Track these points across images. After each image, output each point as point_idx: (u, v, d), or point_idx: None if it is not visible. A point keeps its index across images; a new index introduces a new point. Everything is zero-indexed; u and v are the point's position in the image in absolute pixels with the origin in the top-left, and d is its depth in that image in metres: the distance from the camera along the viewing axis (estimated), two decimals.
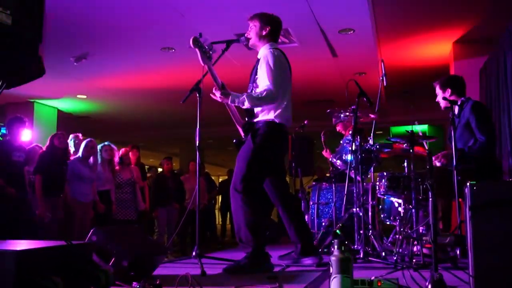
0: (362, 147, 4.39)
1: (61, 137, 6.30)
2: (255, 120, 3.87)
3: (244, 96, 3.67)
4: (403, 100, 10.06)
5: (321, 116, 5.88)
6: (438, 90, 4.55)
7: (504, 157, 5.56)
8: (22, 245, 1.97)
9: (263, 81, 3.73)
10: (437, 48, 7.83)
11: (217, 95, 3.77)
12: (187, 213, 4.88)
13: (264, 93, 3.67)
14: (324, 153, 5.71)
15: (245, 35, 3.98)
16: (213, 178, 12.05)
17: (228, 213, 12.48)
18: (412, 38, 7.42)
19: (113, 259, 3.03)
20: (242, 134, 3.96)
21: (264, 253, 3.68)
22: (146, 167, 10.30)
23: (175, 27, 6.52)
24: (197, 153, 4.04)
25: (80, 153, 6.52)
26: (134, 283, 2.68)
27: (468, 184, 2.36)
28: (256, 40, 3.92)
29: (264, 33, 3.89)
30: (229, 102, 3.72)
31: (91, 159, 6.63)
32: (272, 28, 3.92)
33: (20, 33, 2.07)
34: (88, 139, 6.68)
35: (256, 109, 3.86)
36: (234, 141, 4.03)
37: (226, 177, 12.91)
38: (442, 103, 4.51)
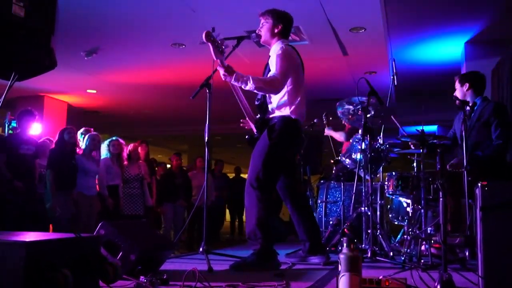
0: (372, 146, 4.36)
1: (70, 132, 6.31)
2: (270, 116, 3.85)
3: (249, 76, 3.59)
4: (412, 100, 10.01)
5: (331, 113, 5.86)
6: (457, 84, 4.50)
7: None
8: (31, 236, 1.97)
9: (272, 71, 3.72)
10: (448, 48, 7.77)
11: (221, 72, 3.66)
12: (194, 209, 4.86)
13: (269, 79, 3.65)
14: (326, 130, 5.78)
15: (256, 31, 3.94)
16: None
17: (237, 212, 12.49)
18: (423, 38, 7.36)
19: (120, 253, 3.04)
20: (255, 130, 3.95)
21: (271, 250, 3.66)
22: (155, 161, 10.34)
23: (186, 23, 6.51)
24: (206, 148, 4.03)
25: (83, 147, 6.53)
26: (141, 277, 2.69)
27: (479, 184, 2.33)
28: (268, 37, 3.89)
29: (276, 30, 3.85)
30: (232, 81, 3.62)
31: (95, 152, 6.65)
32: (284, 25, 3.88)
33: (33, 25, 2.07)
34: (91, 133, 6.69)
35: (271, 105, 3.83)
36: (247, 137, 4.01)
37: (234, 175, 12.90)
38: (457, 101, 4.46)
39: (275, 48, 3.82)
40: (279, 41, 3.85)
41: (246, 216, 3.72)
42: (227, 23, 6.34)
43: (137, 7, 6.09)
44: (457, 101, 4.34)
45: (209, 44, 3.59)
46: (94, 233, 3.12)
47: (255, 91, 3.68)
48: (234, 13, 6.16)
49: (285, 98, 3.76)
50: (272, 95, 3.83)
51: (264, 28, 3.91)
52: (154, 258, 3.36)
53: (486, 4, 6.13)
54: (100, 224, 3.09)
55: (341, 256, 2.13)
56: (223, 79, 3.67)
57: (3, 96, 2.29)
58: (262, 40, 3.93)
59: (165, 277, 2.81)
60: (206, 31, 3.57)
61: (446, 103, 10.59)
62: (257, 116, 3.97)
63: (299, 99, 3.77)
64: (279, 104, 3.77)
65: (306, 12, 5.99)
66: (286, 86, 3.73)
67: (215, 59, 3.64)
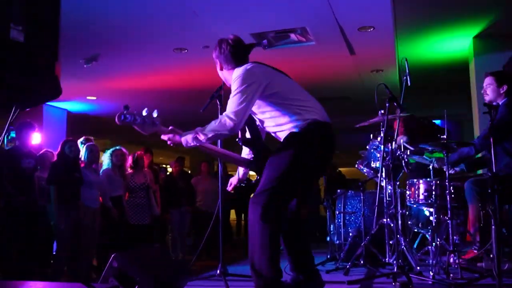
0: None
1: (72, 145, 6.10)
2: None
3: (197, 129, 3.06)
4: (419, 95, 9.83)
5: (337, 112, 5.64)
6: (492, 83, 4.28)
7: None
8: None
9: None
10: (456, 43, 7.59)
11: (168, 142, 3.19)
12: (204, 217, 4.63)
13: (218, 119, 3.04)
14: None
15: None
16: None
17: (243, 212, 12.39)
18: (430, 33, 7.19)
19: (136, 286, 2.85)
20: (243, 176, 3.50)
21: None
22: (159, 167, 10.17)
23: (188, 27, 6.30)
24: (220, 166, 3.85)
25: (83, 158, 6.33)
26: None
27: None
28: (221, 74, 3.37)
29: (225, 59, 3.30)
30: (184, 144, 3.10)
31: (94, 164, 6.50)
32: (234, 51, 3.29)
33: (34, 51, 1.85)
34: (88, 144, 6.50)
35: (273, 129, 3.21)
36: (237, 139, 3.34)
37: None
38: (489, 97, 4.27)
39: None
40: (237, 69, 3.20)
41: (249, 237, 3.02)
42: (230, 26, 6.12)
43: (138, 13, 5.88)
44: (490, 96, 4.19)
45: (133, 126, 3.10)
46: (107, 266, 2.94)
47: (207, 143, 3.13)
48: (238, 16, 5.94)
49: (283, 112, 3.13)
50: (265, 122, 3.23)
51: (217, 67, 3.39)
52: (172, 286, 3.17)
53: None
54: (112, 256, 2.90)
55: None
56: (172, 145, 3.21)
57: (5, 129, 2.07)
58: (223, 78, 3.40)
59: None
60: (117, 115, 3.06)
61: (453, 98, 10.51)
62: (249, 156, 3.38)
63: (301, 102, 3.15)
64: (282, 123, 3.14)
65: (313, 13, 5.79)
66: (269, 105, 3.14)
67: (147, 134, 3.15)
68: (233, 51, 3.27)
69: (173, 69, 8.24)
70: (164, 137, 3.19)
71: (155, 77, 8.79)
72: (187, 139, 3.08)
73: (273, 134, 3.27)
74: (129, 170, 7.25)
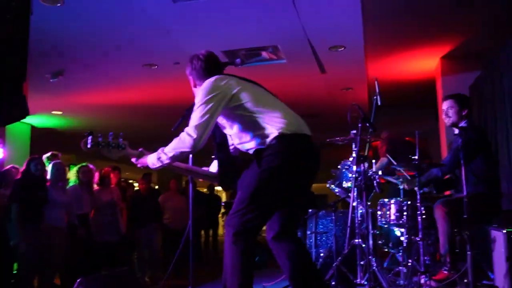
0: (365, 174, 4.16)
1: (38, 164, 5.91)
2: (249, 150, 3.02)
3: (160, 149, 2.99)
4: (388, 113, 9.94)
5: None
6: (453, 105, 4.32)
7: (503, 181, 5.40)
8: None
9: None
10: (423, 63, 7.72)
11: (138, 164, 3.14)
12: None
13: (178, 137, 2.93)
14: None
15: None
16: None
17: (211, 229, 12.28)
18: (399, 53, 7.29)
19: None
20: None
21: None
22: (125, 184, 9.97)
23: (159, 44, 6.25)
24: (190, 185, 3.77)
25: (49, 177, 6.14)
26: None
27: (504, 231, 2.12)
28: (195, 91, 3.19)
29: (200, 83, 3.14)
30: (151, 166, 3.03)
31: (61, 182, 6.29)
32: (205, 66, 3.18)
33: (2, 74, 1.77)
34: (54, 162, 6.31)
35: (243, 145, 3.02)
36: (213, 156, 3.24)
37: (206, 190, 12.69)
38: (451, 120, 4.31)
39: None
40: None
41: (224, 258, 2.88)
42: (201, 43, 6.07)
43: (106, 27, 5.79)
44: (453, 119, 4.24)
45: (100, 151, 3.06)
46: None
47: (171, 162, 3.00)
48: (209, 33, 5.92)
49: (249, 126, 2.95)
50: (233, 138, 3.08)
51: (191, 84, 3.29)
52: None
53: (462, 21, 6.09)
54: (78, 281, 2.79)
55: None
56: (141, 167, 3.14)
57: None
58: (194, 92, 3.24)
59: None
60: (82, 141, 3.03)
61: (420, 115, 10.67)
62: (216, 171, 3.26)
63: (270, 114, 2.92)
64: (253, 135, 2.94)
65: (285, 31, 5.82)
66: (235, 118, 2.98)
67: (115, 159, 3.11)
68: (204, 66, 3.16)
69: (142, 85, 8.15)
70: (133, 160, 3.14)
71: (123, 93, 8.68)
72: (152, 160, 3.00)
73: (245, 151, 3.07)
74: (96, 187, 7.08)
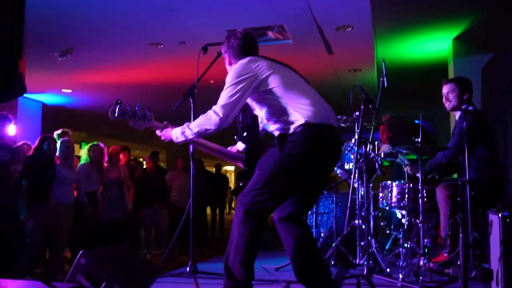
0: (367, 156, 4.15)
1: (51, 143, 5.98)
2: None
3: (185, 124, 3.04)
4: (396, 97, 9.89)
5: None
6: (454, 88, 4.26)
7: (509, 164, 5.37)
8: None
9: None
10: (435, 45, 7.63)
11: (159, 135, 3.20)
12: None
13: (205, 114, 2.96)
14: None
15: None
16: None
17: (218, 209, 12.36)
18: (409, 34, 7.22)
19: (103, 283, 2.81)
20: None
21: None
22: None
23: (164, 22, 6.23)
24: (191, 163, 3.80)
25: (58, 154, 6.21)
26: None
27: (500, 215, 2.12)
28: (229, 69, 3.12)
29: (235, 62, 3.11)
30: (175, 140, 3.06)
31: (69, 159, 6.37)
32: (242, 45, 3.14)
33: None
34: (63, 139, 6.37)
35: (272, 127, 3.01)
36: (236, 137, 3.31)
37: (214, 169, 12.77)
38: (452, 104, 4.27)
39: None
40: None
41: (231, 234, 2.93)
42: (207, 22, 6.07)
43: (113, 6, 5.78)
44: (453, 103, 4.19)
45: (126, 121, 3.13)
46: (74, 262, 2.90)
47: (195, 138, 3.03)
48: (214, 13, 5.89)
49: (277, 111, 2.95)
50: (263, 118, 3.07)
51: (226, 62, 3.24)
52: (139, 285, 3.13)
53: (475, 0, 5.97)
54: (80, 253, 2.86)
55: None
56: (165, 140, 3.18)
57: None
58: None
59: None
60: (110, 109, 3.07)
61: (430, 99, 10.58)
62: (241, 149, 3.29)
63: (298, 101, 2.89)
64: (280, 120, 2.94)
65: (292, 11, 5.77)
66: (264, 101, 2.97)
67: (140, 129, 3.19)
68: (242, 44, 3.14)
69: (148, 64, 8.16)
70: (157, 132, 3.19)
71: (130, 72, 8.69)
72: (176, 134, 3.04)
73: (270, 132, 3.11)
74: (105, 165, 7.15)
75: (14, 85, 1.93)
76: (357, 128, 4.09)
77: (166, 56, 7.54)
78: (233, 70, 2.96)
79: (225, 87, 2.94)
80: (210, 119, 2.91)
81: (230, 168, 24.78)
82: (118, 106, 3.07)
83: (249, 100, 3.02)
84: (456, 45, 7.39)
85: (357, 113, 4.16)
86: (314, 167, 2.90)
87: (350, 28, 6.37)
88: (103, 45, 7.20)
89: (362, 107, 4.00)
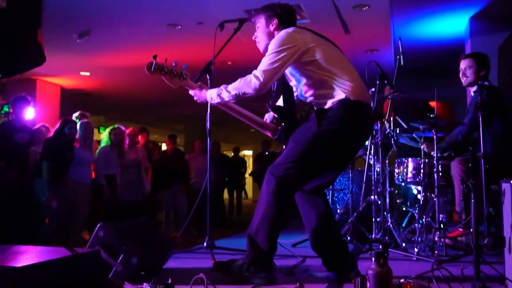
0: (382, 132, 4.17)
1: (73, 127, 6.09)
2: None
3: (222, 86, 2.98)
4: (413, 77, 9.80)
5: None
6: (473, 64, 4.22)
7: None
8: (22, 258, 1.76)
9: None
10: (452, 24, 7.54)
11: (193, 94, 3.19)
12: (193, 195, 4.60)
13: (244, 78, 2.91)
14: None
15: (253, 37, 3.22)
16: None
17: (235, 191, 12.39)
18: (426, 13, 7.12)
19: (121, 255, 2.87)
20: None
21: (270, 264, 2.93)
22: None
23: (182, 3, 6.26)
24: (208, 137, 3.85)
25: (78, 135, 6.31)
26: (145, 284, 2.52)
27: (510, 182, 2.14)
28: (266, 40, 3.09)
29: (272, 27, 3.09)
30: (210, 101, 3.07)
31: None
32: (281, 19, 3.10)
33: (16, 18, 1.83)
34: (83, 121, 6.47)
35: (312, 99, 2.99)
36: (267, 105, 3.23)
37: (232, 154, 12.77)
38: (468, 79, 4.24)
39: None
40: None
41: (257, 205, 2.91)
42: (224, 2, 6.08)
43: None
44: (476, 87, 4.14)
45: (161, 76, 3.10)
46: (93, 235, 2.96)
47: (232, 100, 3.02)
48: None
49: (316, 84, 2.94)
50: (299, 90, 3.07)
51: (259, 32, 3.16)
52: (156, 259, 3.19)
53: None
54: (98, 226, 2.91)
55: (370, 272, 1.93)
56: (199, 102, 3.18)
57: None
58: (261, 48, 3.15)
59: (170, 281, 2.63)
60: (147, 64, 3.06)
61: (447, 80, 10.48)
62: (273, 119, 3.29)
63: (338, 76, 2.88)
64: (319, 93, 2.93)
65: None
66: (304, 72, 2.93)
67: (175, 87, 3.15)
68: (281, 13, 3.11)
69: (166, 45, 8.17)
70: (191, 92, 3.17)
71: (147, 53, 8.61)
72: (212, 95, 3.01)
73: (307, 102, 3.10)
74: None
75: (32, 53, 1.98)
76: (373, 104, 4.09)
77: (184, 37, 7.57)
78: (277, 38, 2.93)
79: (267, 53, 2.91)
80: (249, 83, 2.87)
81: (248, 152, 24.82)
82: (154, 61, 3.04)
83: (287, 71, 2.99)
84: (473, 23, 7.30)
85: (373, 89, 4.16)
86: (347, 144, 2.92)
87: (367, 7, 6.34)
88: (121, 26, 7.24)
89: (377, 82, 4.01)
